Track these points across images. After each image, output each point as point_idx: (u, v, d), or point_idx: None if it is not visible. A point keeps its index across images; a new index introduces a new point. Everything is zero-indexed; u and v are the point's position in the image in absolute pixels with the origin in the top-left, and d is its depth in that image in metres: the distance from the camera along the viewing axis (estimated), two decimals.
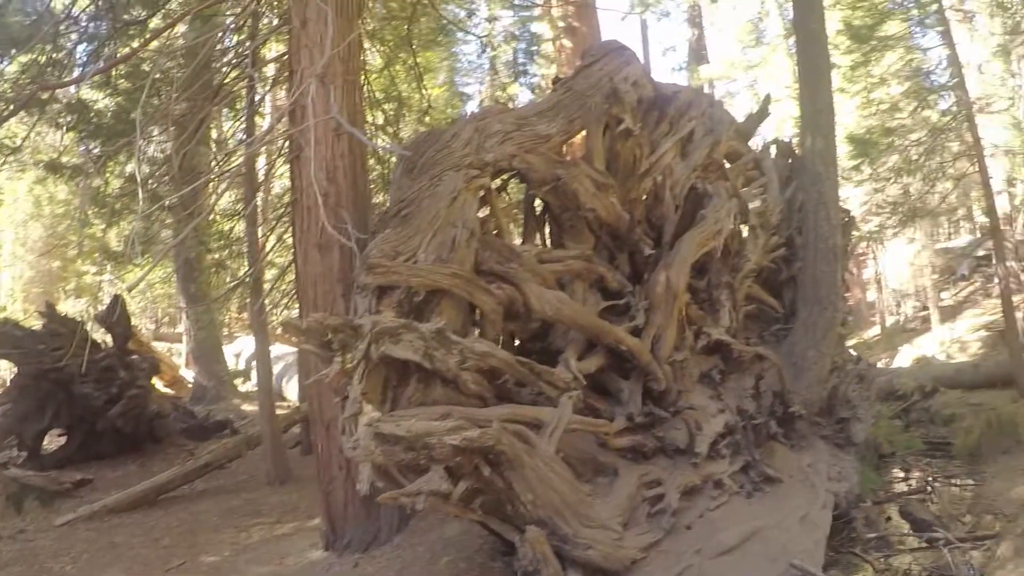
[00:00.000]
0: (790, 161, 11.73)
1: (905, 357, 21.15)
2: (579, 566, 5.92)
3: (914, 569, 7.18)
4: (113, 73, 11.16)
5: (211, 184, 11.86)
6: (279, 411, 12.94)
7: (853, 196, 19.60)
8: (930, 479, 10.21)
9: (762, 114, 11.92)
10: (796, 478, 8.40)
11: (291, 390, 16.74)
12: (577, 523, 5.97)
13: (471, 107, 17.84)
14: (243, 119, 12.77)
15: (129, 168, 12.27)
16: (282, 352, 17.69)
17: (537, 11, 18.44)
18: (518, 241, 8.55)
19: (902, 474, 10.92)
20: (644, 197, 8.81)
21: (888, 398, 14.50)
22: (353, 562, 7.35)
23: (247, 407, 16.65)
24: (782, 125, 24.06)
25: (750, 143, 11.38)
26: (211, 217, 13.20)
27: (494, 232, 7.55)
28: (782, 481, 8.19)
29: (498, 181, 8.10)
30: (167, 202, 11.04)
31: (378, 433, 5.14)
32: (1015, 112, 23.24)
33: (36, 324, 12.95)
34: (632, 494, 6.88)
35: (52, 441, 13.27)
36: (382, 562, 7.23)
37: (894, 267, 26.21)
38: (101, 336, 13.74)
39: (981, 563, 6.72)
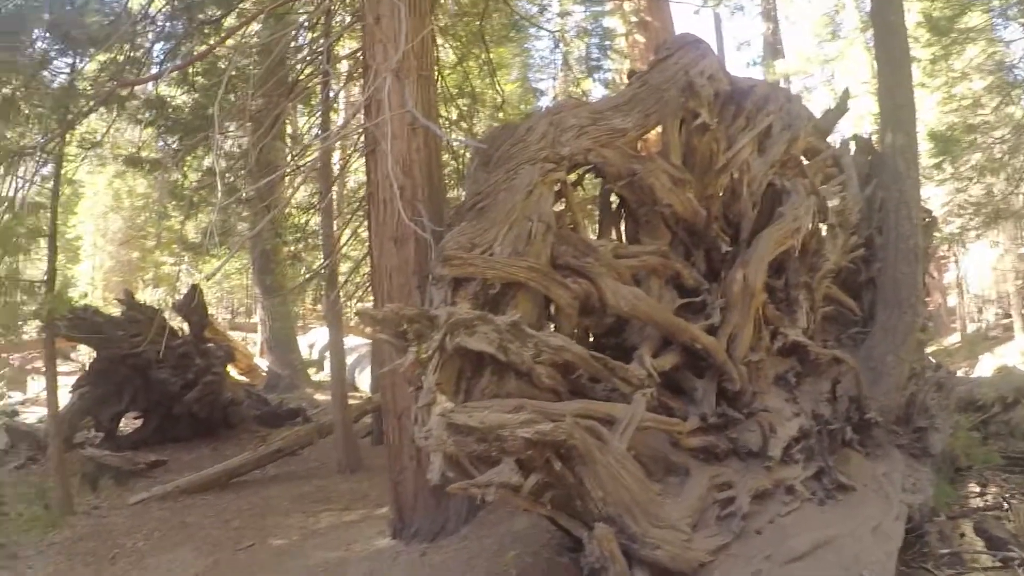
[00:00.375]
0: (870, 158, 11.43)
1: (986, 366, 20.45)
2: (646, 566, 5.85)
3: None
4: (190, 70, 11.46)
5: (287, 178, 12.11)
6: (351, 401, 13.13)
7: (934, 196, 19.00)
8: (1007, 495, 9.83)
9: (840, 109, 11.65)
10: (870, 487, 8.18)
11: (364, 380, 16.97)
12: (646, 522, 5.90)
13: (544, 103, 17.87)
14: (318, 115, 13.00)
15: (207, 162, 12.61)
16: (355, 343, 17.98)
17: (609, 6, 18.35)
18: (594, 236, 8.48)
19: (978, 489, 10.52)
20: (721, 193, 8.66)
21: (967, 408, 14.02)
22: (420, 551, 7.42)
23: (320, 396, 16.95)
24: (861, 121, 23.48)
25: (829, 139, 11.14)
26: (287, 210, 13.47)
27: (570, 226, 7.52)
28: (855, 489, 7.98)
29: (574, 175, 8.06)
30: (243, 195, 11.28)
31: (451, 423, 5.16)
32: None
33: (115, 311, 13.38)
34: (703, 495, 6.79)
35: (128, 424, 13.72)
36: (449, 552, 7.27)
37: (976, 271, 25.37)
38: (178, 324, 14.13)
39: None
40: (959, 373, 17.58)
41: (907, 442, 9.58)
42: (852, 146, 11.57)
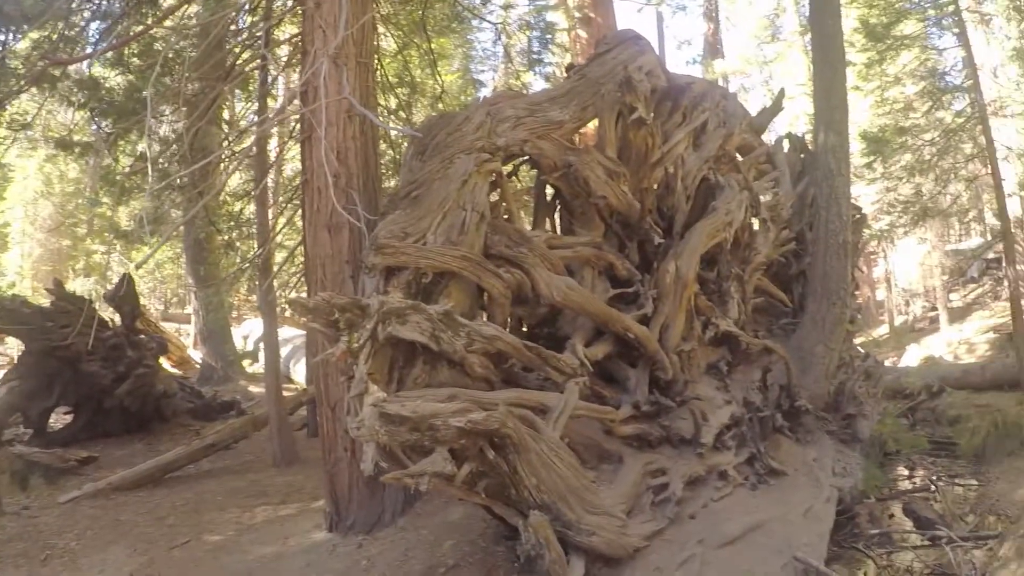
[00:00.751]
0: (803, 156, 11.72)
1: (913, 356, 21.14)
2: (582, 552, 5.94)
3: (916, 566, 7.18)
4: (125, 51, 11.13)
5: (222, 164, 11.87)
6: (286, 393, 12.96)
7: (865, 194, 19.55)
8: (934, 478, 10.24)
9: (776, 108, 11.90)
10: (801, 472, 8.40)
11: (299, 372, 16.75)
12: (581, 509, 5.97)
13: (485, 94, 17.83)
14: (255, 100, 12.76)
15: (140, 147, 12.27)
16: (291, 334, 17.75)
17: (553, 0, 18.40)
18: (528, 227, 8.51)
19: (906, 472, 10.91)
20: (655, 186, 8.79)
21: (895, 396, 14.53)
22: (357, 543, 7.37)
23: (254, 388, 16.70)
24: (796, 121, 24.03)
25: (763, 137, 11.35)
26: (221, 197, 13.21)
27: (504, 216, 7.53)
28: (787, 474, 8.19)
29: (509, 166, 8.09)
30: (177, 181, 11.03)
31: (383, 413, 5.11)
32: None
33: (44, 302, 12.97)
34: (636, 482, 6.90)
35: (58, 419, 13.32)
36: (385, 544, 7.24)
37: (904, 266, 26.19)
38: (109, 315, 13.76)
39: (983, 562, 6.69)
40: (887, 363, 18.16)
41: (837, 428, 9.86)
42: (786, 144, 11.84)
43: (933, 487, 9.80)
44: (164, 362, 15.43)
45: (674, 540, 6.55)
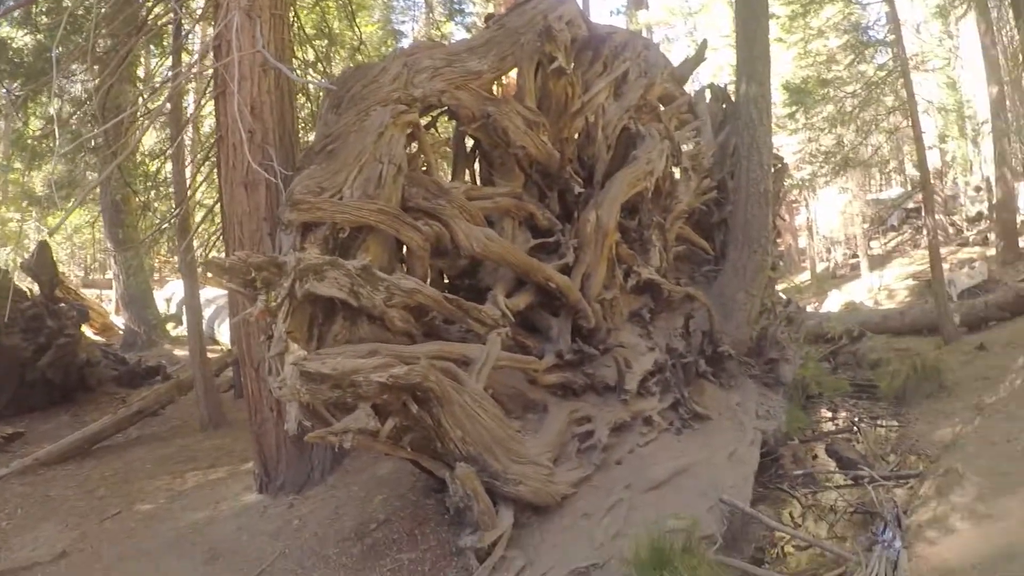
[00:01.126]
0: (724, 106, 11.85)
1: (834, 302, 21.71)
2: (510, 502, 6.02)
3: (839, 505, 7.44)
4: (32, 9, 10.62)
5: (136, 123, 11.45)
6: (211, 355, 12.72)
7: (787, 144, 19.93)
8: (856, 420, 10.57)
9: (698, 59, 11.97)
10: (725, 416, 8.62)
11: (223, 333, 16.40)
12: (507, 459, 6.04)
13: (405, 45, 17.48)
14: (169, 55, 12.29)
15: (51, 109, 11.76)
16: (214, 295, 17.36)
17: None
18: (447, 178, 8.45)
19: (829, 414, 11.28)
20: (576, 136, 8.81)
21: (816, 341, 14.94)
22: (288, 503, 7.33)
23: (179, 352, 16.31)
24: (719, 72, 24.25)
25: (685, 87, 11.42)
26: (136, 157, 12.77)
27: (422, 168, 7.44)
28: (711, 419, 8.41)
29: (427, 117, 8.00)
30: (91, 142, 10.61)
31: (304, 372, 5.06)
32: (950, 71, 23.78)
33: None
34: (562, 430, 7.01)
35: None
36: (316, 502, 7.22)
37: (825, 215, 26.81)
38: (27, 285, 13.28)
39: (904, 501, 6.92)
40: (809, 308, 18.65)
41: (759, 373, 10.13)
42: (708, 94, 11.94)
43: (855, 428, 10.14)
44: (86, 330, 14.98)
45: (601, 486, 6.69)
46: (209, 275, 5.65)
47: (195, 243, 11.67)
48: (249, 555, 6.38)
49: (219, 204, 8.62)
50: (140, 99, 11.91)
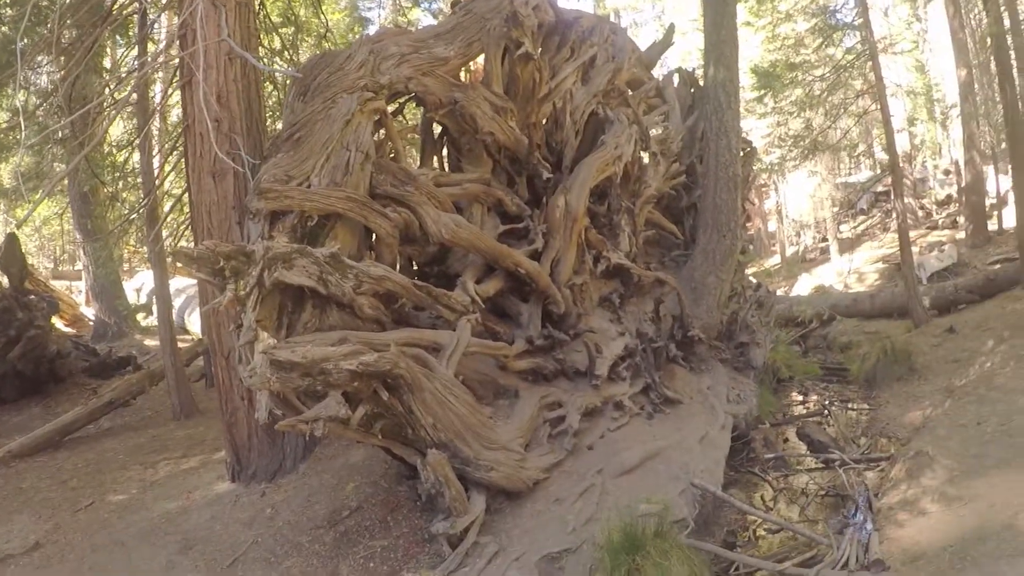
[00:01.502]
0: (693, 91, 11.89)
1: (804, 286, 21.89)
2: (482, 488, 6.08)
3: (811, 488, 7.54)
4: None
5: (103, 113, 11.31)
6: (182, 344, 12.65)
7: (756, 128, 20.04)
8: (827, 403, 10.71)
9: (666, 43, 12.00)
10: (696, 400, 8.70)
11: (194, 323, 16.30)
12: (478, 445, 6.08)
13: (372, 32, 17.29)
14: (135, 45, 12.13)
15: (18, 101, 11.57)
16: (183, 284, 17.26)
17: None
18: (415, 165, 8.44)
19: (800, 398, 11.40)
20: (544, 121, 8.82)
21: (787, 325, 15.09)
22: (260, 492, 7.34)
23: (150, 342, 16.18)
24: (688, 56, 24.31)
25: (654, 72, 11.46)
26: (104, 148, 12.62)
27: (390, 155, 7.43)
28: (682, 403, 8.49)
29: (394, 104, 7.98)
30: (58, 134, 10.47)
31: (274, 360, 5.07)
32: (918, 54, 24.01)
33: None
34: (533, 416, 7.04)
35: None
36: (288, 491, 7.23)
37: (795, 199, 26.98)
38: None
39: (875, 483, 7.03)
40: (779, 292, 18.83)
41: (730, 357, 10.23)
42: (676, 79, 11.98)
43: (826, 412, 10.26)
44: (57, 322, 14.83)
45: (573, 471, 6.75)
46: (178, 265, 5.63)
47: (164, 233, 11.58)
48: (222, 544, 6.40)
49: (187, 194, 8.57)
50: (107, 89, 11.76)
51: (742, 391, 9.60)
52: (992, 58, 14.56)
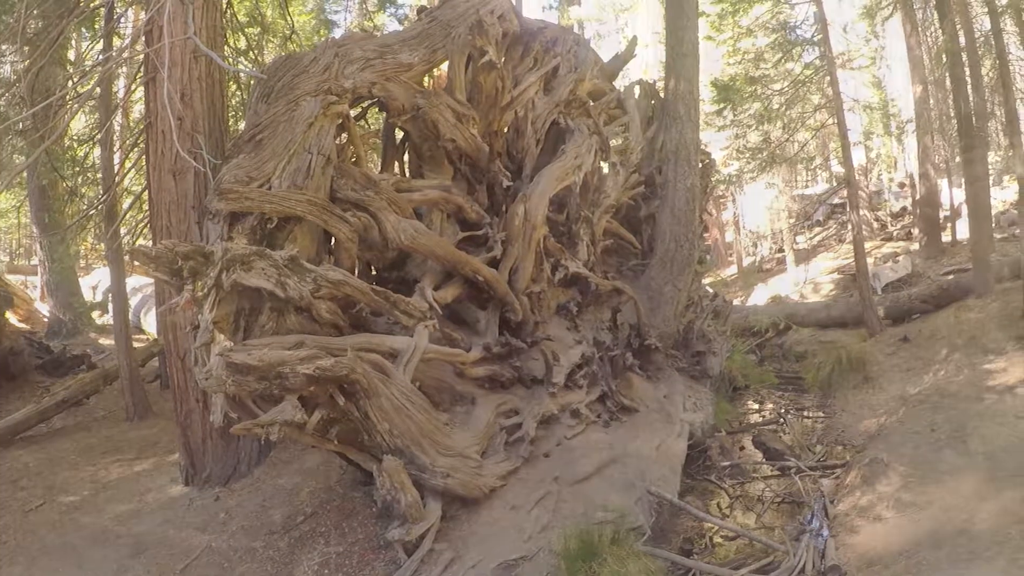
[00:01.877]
0: (653, 103, 12.02)
1: (760, 296, 22.11)
2: (438, 494, 6.11)
3: (767, 495, 7.59)
4: None
5: (65, 107, 11.16)
6: (137, 344, 12.50)
7: (715, 140, 20.28)
8: (782, 411, 10.81)
9: (628, 55, 12.13)
10: (652, 408, 8.78)
11: (150, 323, 16.06)
12: (435, 452, 6.11)
13: (337, 35, 17.23)
14: (100, 39, 11.99)
15: None
16: (140, 283, 17.00)
17: None
18: (377, 170, 8.46)
19: (756, 406, 11.46)
20: (505, 130, 8.89)
21: (743, 334, 15.25)
22: (214, 496, 7.30)
23: (105, 341, 15.90)
24: (650, 69, 24.50)
25: (615, 83, 11.58)
26: (64, 142, 12.44)
27: (352, 160, 7.45)
28: (638, 411, 8.58)
29: (357, 108, 8.00)
30: (19, 125, 10.29)
31: (230, 363, 5.06)
32: (875, 70, 24.50)
33: None
34: (490, 423, 7.09)
35: None
36: (243, 495, 7.21)
37: (752, 210, 27.26)
38: None
39: (831, 490, 7.08)
40: (735, 302, 19.03)
41: (687, 365, 10.33)
42: (637, 90, 12.10)
43: (781, 420, 10.36)
44: (10, 317, 14.57)
45: (529, 479, 6.79)
46: (135, 263, 5.60)
47: (122, 231, 11.44)
48: (175, 548, 6.36)
49: (147, 191, 8.50)
50: (70, 82, 11.60)
51: (698, 399, 9.69)
52: (947, 74, 14.89)
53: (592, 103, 10.32)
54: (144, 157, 8.95)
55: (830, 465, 8.03)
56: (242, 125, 10.52)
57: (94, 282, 21.55)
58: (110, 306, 14.33)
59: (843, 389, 10.88)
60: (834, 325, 15.32)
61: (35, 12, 9.51)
